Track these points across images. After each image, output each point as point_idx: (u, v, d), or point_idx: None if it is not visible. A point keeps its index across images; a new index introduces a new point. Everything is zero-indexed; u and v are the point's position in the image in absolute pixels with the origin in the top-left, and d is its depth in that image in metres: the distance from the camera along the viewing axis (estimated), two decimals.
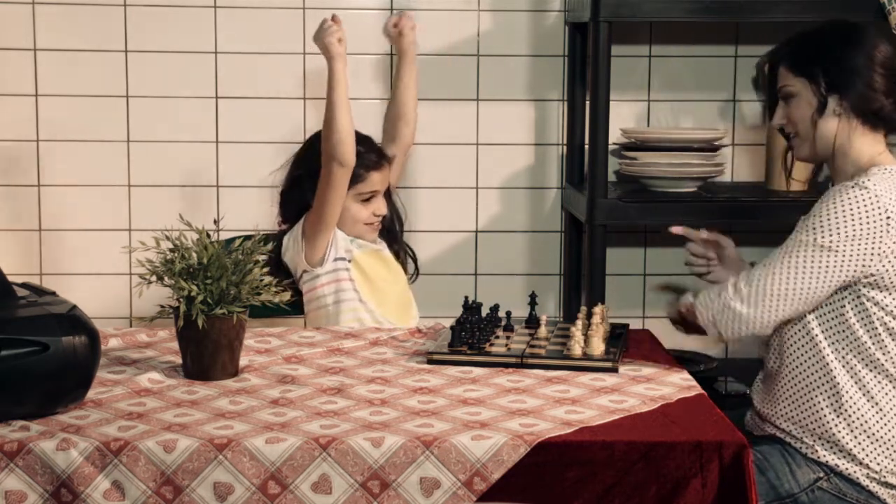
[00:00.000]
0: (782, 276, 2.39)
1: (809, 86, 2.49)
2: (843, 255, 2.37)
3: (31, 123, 3.63)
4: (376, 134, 3.28)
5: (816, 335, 2.45)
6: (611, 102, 3.29)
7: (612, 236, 3.51)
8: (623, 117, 3.69)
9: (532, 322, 2.80)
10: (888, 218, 2.35)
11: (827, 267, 2.37)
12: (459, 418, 2.20)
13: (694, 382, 2.46)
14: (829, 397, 2.43)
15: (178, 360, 2.50)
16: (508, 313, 2.79)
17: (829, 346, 2.43)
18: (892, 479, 2.43)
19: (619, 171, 3.64)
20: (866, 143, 2.49)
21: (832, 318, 2.44)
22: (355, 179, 3.08)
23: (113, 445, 2.05)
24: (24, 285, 2.35)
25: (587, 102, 3.48)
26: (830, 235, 2.36)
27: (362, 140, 3.13)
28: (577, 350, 2.56)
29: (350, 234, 3.14)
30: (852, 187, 2.37)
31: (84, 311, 2.27)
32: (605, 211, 3.30)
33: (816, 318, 2.46)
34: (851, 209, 2.35)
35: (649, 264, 3.82)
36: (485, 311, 2.80)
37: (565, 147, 3.72)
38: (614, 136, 3.58)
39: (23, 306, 2.22)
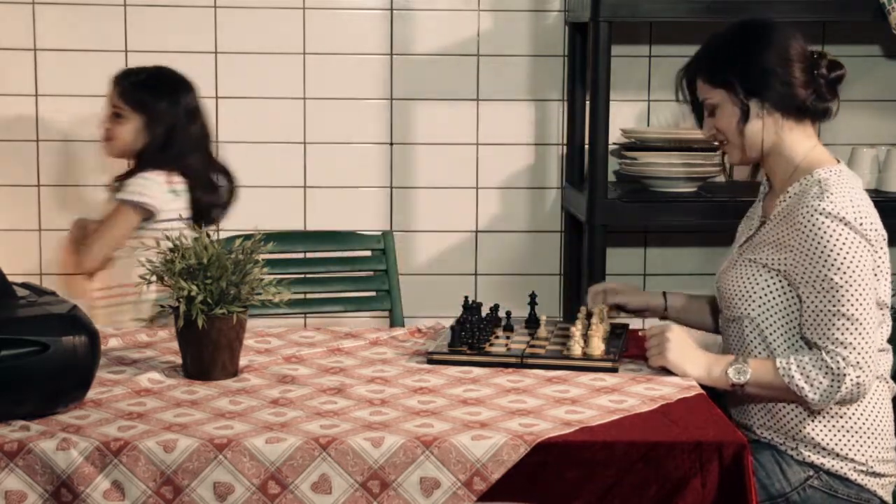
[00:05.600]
0: (865, 321, 2.35)
1: (729, 96, 2.49)
2: (874, 278, 2.38)
3: (31, 123, 3.63)
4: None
5: (772, 342, 2.47)
6: (611, 102, 3.29)
7: (612, 236, 3.51)
8: (623, 117, 3.70)
9: (532, 322, 2.80)
10: (862, 228, 2.36)
11: (872, 291, 2.37)
12: (459, 418, 2.20)
13: (694, 382, 2.46)
14: (796, 403, 2.44)
15: (178, 360, 2.50)
16: (508, 313, 2.79)
17: (785, 351, 2.44)
18: (880, 468, 2.44)
19: (619, 171, 3.64)
20: (797, 139, 2.49)
21: (786, 324, 2.46)
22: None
23: (113, 445, 2.05)
24: (24, 285, 2.35)
25: (587, 102, 3.48)
26: (858, 268, 2.35)
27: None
28: (577, 350, 2.56)
29: None
30: (830, 218, 2.35)
31: (84, 311, 2.27)
32: (605, 211, 3.30)
33: (769, 325, 2.47)
34: (850, 244, 2.34)
35: (649, 264, 3.82)
36: (485, 311, 2.80)
37: (565, 147, 3.72)
38: (614, 136, 3.58)
39: (23, 306, 2.22)
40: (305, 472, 2.06)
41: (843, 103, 3.67)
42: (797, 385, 2.36)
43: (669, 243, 3.82)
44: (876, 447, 2.44)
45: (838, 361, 2.34)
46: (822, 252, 2.35)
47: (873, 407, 2.45)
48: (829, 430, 2.43)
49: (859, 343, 2.35)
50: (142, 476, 2.04)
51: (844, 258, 2.34)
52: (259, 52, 3.65)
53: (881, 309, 2.45)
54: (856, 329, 2.35)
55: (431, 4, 3.66)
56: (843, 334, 2.35)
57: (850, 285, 2.34)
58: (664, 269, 3.80)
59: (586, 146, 3.51)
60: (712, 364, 2.45)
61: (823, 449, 2.43)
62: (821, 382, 2.35)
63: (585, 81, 3.57)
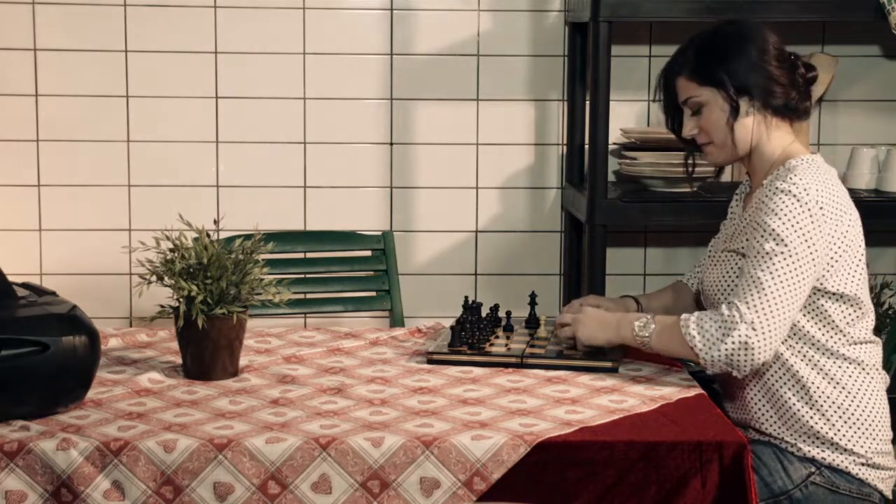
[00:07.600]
0: (776, 293, 2.35)
1: (719, 93, 2.50)
2: (810, 259, 2.37)
3: (31, 123, 3.63)
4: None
5: None
6: (611, 102, 3.29)
7: (612, 236, 3.51)
8: (623, 117, 3.69)
9: (532, 322, 2.80)
10: (822, 212, 2.38)
11: (804, 271, 2.37)
12: (459, 418, 2.20)
13: (694, 382, 2.46)
14: (796, 392, 2.43)
15: (178, 360, 2.50)
16: (508, 313, 2.79)
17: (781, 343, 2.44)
18: (879, 459, 2.45)
19: (619, 171, 3.64)
20: (779, 136, 2.53)
21: None
22: None
23: (113, 445, 2.05)
24: (24, 285, 2.35)
25: (587, 102, 3.48)
26: (793, 243, 2.36)
27: None
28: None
29: None
30: (784, 194, 2.38)
31: (84, 311, 2.27)
32: (605, 211, 3.29)
33: None
34: (794, 219, 2.36)
35: (649, 264, 3.82)
36: (485, 311, 2.80)
37: (565, 147, 3.72)
38: (614, 136, 3.58)
39: (23, 306, 2.22)
40: (305, 472, 2.06)
41: (843, 103, 3.71)
42: (690, 334, 2.37)
43: (669, 243, 3.82)
44: (874, 439, 2.45)
45: (733, 314, 2.35)
46: (765, 222, 2.38)
47: (870, 398, 2.45)
48: (829, 421, 2.43)
49: (762, 307, 2.34)
50: (142, 476, 2.04)
51: (784, 231, 2.36)
52: (259, 52, 3.65)
53: (856, 303, 2.45)
54: (765, 295, 2.34)
55: (431, 4, 3.66)
56: (749, 295, 2.35)
57: (779, 255, 2.35)
58: (664, 269, 3.79)
59: (586, 146, 3.51)
60: (621, 320, 2.49)
61: (824, 441, 2.42)
62: (712, 334, 2.36)
63: (585, 81, 3.57)
